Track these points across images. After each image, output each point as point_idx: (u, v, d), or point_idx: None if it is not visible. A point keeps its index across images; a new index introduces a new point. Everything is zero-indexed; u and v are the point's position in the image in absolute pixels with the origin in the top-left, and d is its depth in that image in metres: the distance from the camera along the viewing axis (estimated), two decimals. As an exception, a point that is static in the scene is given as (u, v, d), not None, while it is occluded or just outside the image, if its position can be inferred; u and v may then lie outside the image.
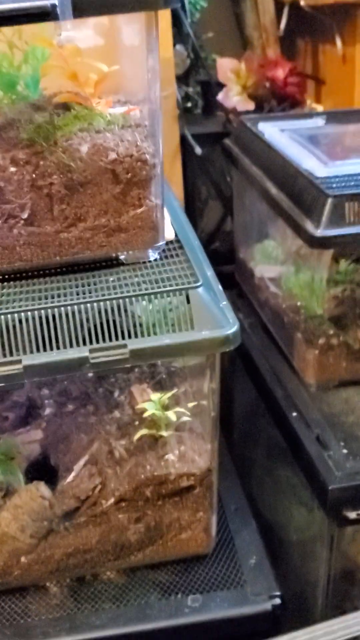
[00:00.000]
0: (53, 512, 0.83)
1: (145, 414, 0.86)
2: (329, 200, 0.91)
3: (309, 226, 0.92)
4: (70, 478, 0.85)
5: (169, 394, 0.86)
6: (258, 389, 1.12)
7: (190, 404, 0.87)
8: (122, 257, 0.78)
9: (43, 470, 0.87)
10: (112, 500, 0.84)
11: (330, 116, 1.23)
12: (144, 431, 0.85)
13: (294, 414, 1.00)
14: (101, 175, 0.73)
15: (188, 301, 0.72)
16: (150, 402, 0.86)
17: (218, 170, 1.38)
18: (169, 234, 0.82)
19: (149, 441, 0.86)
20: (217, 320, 0.72)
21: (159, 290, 0.73)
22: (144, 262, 0.78)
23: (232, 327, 0.70)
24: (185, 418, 0.86)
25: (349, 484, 0.87)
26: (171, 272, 0.77)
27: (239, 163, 1.19)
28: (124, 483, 0.84)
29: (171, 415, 0.85)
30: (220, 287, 0.80)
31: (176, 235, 0.85)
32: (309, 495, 0.94)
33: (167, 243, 0.82)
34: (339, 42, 1.45)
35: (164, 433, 0.86)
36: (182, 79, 1.45)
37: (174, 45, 1.37)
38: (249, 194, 1.20)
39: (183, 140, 1.32)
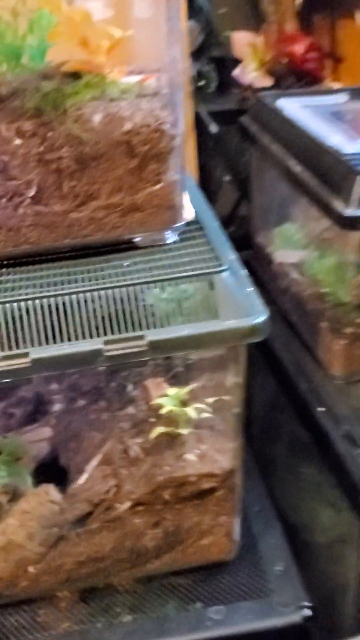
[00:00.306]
0: (64, 518, 0.77)
1: (162, 410, 0.79)
2: (359, 177, 0.84)
3: (338, 205, 0.85)
4: (82, 480, 0.79)
5: (188, 389, 0.80)
6: (279, 383, 1.05)
7: (211, 399, 0.80)
8: (138, 239, 0.71)
9: (52, 471, 0.81)
10: (127, 503, 0.78)
11: (355, 92, 1.16)
12: (161, 429, 0.79)
13: (320, 408, 0.93)
14: (115, 147, 0.66)
15: (212, 287, 0.65)
16: (167, 397, 0.80)
17: (233, 150, 1.31)
18: (189, 214, 0.75)
19: (167, 440, 0.80)
20: (244, 308, 0.65)
21: (179, 275, 0.66)
22: (162, 245, 0.71)
23: (260, 315, 0.63)
24: (205, 414, 0.80)
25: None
26: (192, 255, 0.70)
27: (257, 141, 1.12)
28: (141, 485, 0.77)
29: (190, 411, 0.79)
30: (245, 272, 0.73)
31: (196, 215, 0.78)
32: (337, 495, 0.87)
33: (186, 224, 0.75)
34: (358, 17, 1.38)
35: (183, 431, 0.80)
36: (195, 56, 1.37)
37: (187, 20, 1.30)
38: (268, 174, 1.13)
39: (197, 119, 1.25)
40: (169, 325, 0.65)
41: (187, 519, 0.79)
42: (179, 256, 0.70)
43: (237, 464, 0.79)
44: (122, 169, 0.67)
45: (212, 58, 1.37)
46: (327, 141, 0.94)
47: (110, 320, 0.64)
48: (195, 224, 0.77)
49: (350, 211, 0.84)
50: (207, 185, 1.34)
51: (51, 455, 0.82)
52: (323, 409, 0.93)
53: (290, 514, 0.98)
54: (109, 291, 0.65)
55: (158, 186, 0.68)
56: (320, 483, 0.94)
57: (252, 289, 0.69)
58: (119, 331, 0.64)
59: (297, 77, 1.30)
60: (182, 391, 0.80)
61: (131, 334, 0.63)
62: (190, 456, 0.78)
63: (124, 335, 0.63)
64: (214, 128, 1.22)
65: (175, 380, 0.83)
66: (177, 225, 0.71)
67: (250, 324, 0.64)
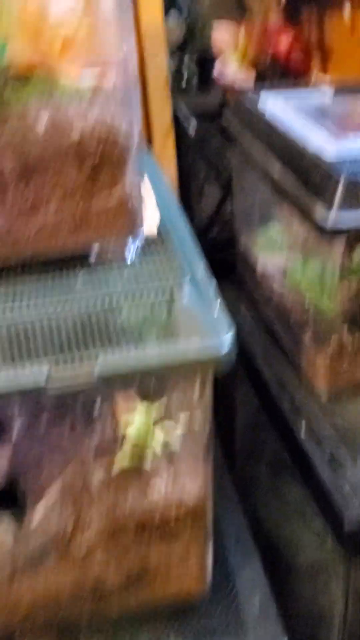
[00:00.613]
0: (18, 552, 0.70)
1: (129, 430, 0.73)
2: (342, 179, 0.78)
3: (319, 210, 0.78)
4: (39, 510, 0.72)
5: (158, 404, 0.73)
6: (261, 399, 0.99)
7: (183, 418, 0.74)
8: (92, 253, 0.65)
9: (7, 499, 0.74)
10: (88, 536, 0.71)
11: (340, 88, 1.09)
12: (126, 453, 0.73)
13: (303, 428, 0.87)
14: (64, 157, 0.60)
15: (171, 303, 0.59)
16: (136, 414, 0.74)
17: (216, 151, 1.24)
18: (152, 222, 0.69)
19: (132, 466, 0.73)
20: (208, 327, 0.58)
21: (135, 290, 0.60)
22: (119, 257, 0.64)
23: (225, 336, 0.57)
24: (177, 435, 0.73)
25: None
26: (152, 266, 0.63)
27: (237, 140, 1.06)
28: (103, 516, 0.71)
29: (159, 433, 0.72)
30: (214, 285, 0.66)
31: (162, 222, 0.72)
32: (321, 523, 0.81)
33: (149, 234, 0.68)
34: (347, 9, 1.31)
35: (150, 456, 0.73)
36: (176, 52, 1.30)
37: (167, 12, 1.23)
38: (249, 176, 1.06)
39: (176, 119, 1.18)
40: (124, 344, 0.58)
41: (154, 554, 0.73)
42: (138, 269, 0.63)
43: (208, 492, 0.73)
44: (73, 178, 0.61)
45: (194, 54, 1.30)
46: (310, 142, 0.87)
47: (53, 342, 0.57)
48: (161, 233, 0.70)
49: (332, 216, 0.78)
50: (189, 187, 1.27)
51: (6, 481, 0.76)
52: (305, 428, 0.86)
53: (272, 540, 0.92)
54: (59, 310, 0.59)
55: (113, 194, 0.61)
56: (303, 510, 0.87)
57: (220, 303, 0.63)
58: (64, 357, 0.58)
59: (282, 72, 1.23)
60: (152, 407, 0.73)
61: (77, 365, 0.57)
62: (158, 483, 0.72)
63: (70, 364, 0.57)
64: (192, 130, 1.15)
65: (147, 392, 0.76)
66: (137, 235, 0.64)
67: (214, 346, 0.57)
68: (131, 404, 0.76)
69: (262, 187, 1.00)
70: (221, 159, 1.22)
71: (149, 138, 1.14)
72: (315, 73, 1.30)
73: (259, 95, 1.06)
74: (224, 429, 1.12)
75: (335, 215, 0.77)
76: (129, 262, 0.64)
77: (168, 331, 0.57)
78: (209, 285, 0.65)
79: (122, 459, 0.72)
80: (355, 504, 0.74)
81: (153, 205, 0.72)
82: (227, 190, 1.29)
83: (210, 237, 1.30)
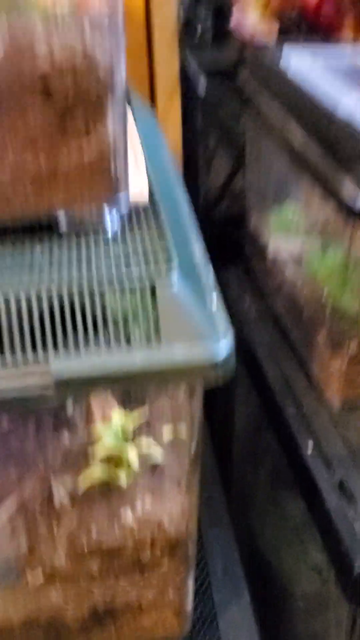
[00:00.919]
0: None
1: (99, 445, 0.60)
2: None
3: (348, 187, 0.65)
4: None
5: (137, 413, 0.61)
6: (263, 402, 0.86)
7: (166, 430, 0.61)
8: (61, 220, 0.51)
9: None
10: (41, 571, 0.58)
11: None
12: (96, 472, 0.60)
13: (310, 443, 0.74)
14: (26, 92, 0.46)
15: (153, 296, 0.45)
16: (111, 423, 0.61)
17: (229, 114, 1.09)
18: (140, 188, 0.55)
19: (101, 488, 0.60)
20: (199, 329, 0.45)
21: (110, 277, 0.46)
22: (94, 230, 0.51)
23: (220, 342, 0.43)
24: (157, 450, 0.61)
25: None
26: (135, 245, 0.50)
27: (254, 102, 0.91)
28: (61, 548, 0.58)
29: (137, 444, 0.60)
30: (211, 272, 0.53)
31: (154, 190, 0.58)
32: (325, 561, 0.68)
33: (136, 202, 0.54)
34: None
35: (126, 471, 0.60)
36: (190, 0, 1.15)
37: None
38: (265, 144, 0.92)
39: (186, 76, 1.03)
40: (82, 349, 0.45)
41: (122, 595, 0.60)
42: (115, 248, 0.49)
43: (192, 517, 0.60)
44: (36, 120, 0.47)
45: (209, 2, 1.14)
46: (339, 104, 0.73)
47: (1, 342, 0.43)
48: (152, 204, 0.56)
49: (362, 196, 0.64)
50: (195, 154, 1.12)
51: None
52: (313, 444, 0.73)
53: (267, 569, 0.79)
54: (6, 299, 0.45)
55: (87, 145, 0.47)
56: (304, 539, 0.74)
57: (215, 300, 0.49)
58: (14, 359, 0.44)
59: (309, 27, 1.08)
60: (130, 417, 0.61)
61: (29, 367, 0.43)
62: (129, 513, 0.59)
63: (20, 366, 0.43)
64: (202, 86, 1.00)
65: (125, 398, 0.63)
66: (117, 202, 0.50)
67: (206, 353, 0.44)
68: (107, 411, 0.63)
69: (279, 158, 0.87)
70: (235, 125, 1.07)
71: (152, 96, 0.99)
72: (348, 33, 1.14)
73: (281, 52, 0.92)
74: (220, 435, 0.99)
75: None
76: (106, 238, 0.50)
77: (147, 331, 0.44)
78: (206, 273, 0.52)
79: (90, 475, 0.60)
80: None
81: (144, 168, 0.58)
82: (240, 161, 1.14)
83: (217, 214, 1.16)
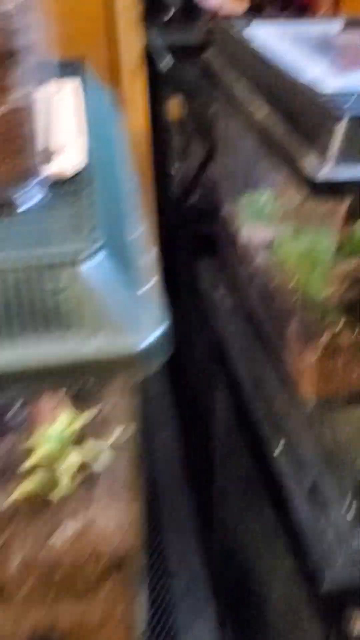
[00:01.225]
0: None
1: (37, 451, 0.55)
2: (342, 124, 0.57)
3: (311, 161, 0.58)
4: None
5: (83, 417, 0.55)
6: (234, 402, 0.80)
7: (110, 438, 0.55)
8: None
9: None
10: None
11: (353, 20, 0.88)
12: (32, 481, 0.54)
13: (281, 443, 0.68)
14: None
15: (73, 276, 0.39)
16: (51, 428, 0.56)
17: (199, 94, 1.03)
18: (72, 163, 0.49)
19: (39, 498, 0.54)
20: (126, 317, 0.39)
21: (22, 255, 0.40)
22: (6, 205, 0.44)
23: (141, 332, 0.37)
24: (96, 456, 0.55)
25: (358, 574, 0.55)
26: (57, 223, 0.44)
27: (221, 79, 0.85)
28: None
29: (76, 451, 0.54)
30: (152, 257, 0.47)
31: (91, 169, 0.52)
32: (296, 580, 0.62)
33: (64, 177, 0.48)
34: None
35: (63, 486, 0.55)
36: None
37: None
38: (233, 125, 0.86)
39: (148, 52, 0.97)
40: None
41: (64, 614, 0.54)
42: (31, 227, 0.43)
43: (137, 532, 0.54)
44: None
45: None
46: (303, 75, 0.67)
47: None
48: (85, 176, 0.50)
49: (326, 170, 0.57)
50: (161, 138, 1.06)
51: None
52: (283, 445, 0.67)
53: (240, 584, 0.73)
54: None
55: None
56: (276, 554, 0.68)
57: (153, 284, 0.43)
58: None
59: (283, 4, 1.02)
60: (73, 421, 0.55)
61: None
62: (70, 524, 0.53)
63: None
64: (165, 63, 0.94)
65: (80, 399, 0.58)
66: (32, 175, 0.44)
67: (132, 345, 0.38)
68: (57, 411, 0.58)
69: (248, 138, 0.80)
70: (206, 107, 1.01)
71: (114, 76, 0.93)
72: (323, 12, 1.08)
73: (248, 25, 0.85)
74: (199, 437, 0.93)
75: (328, 170, 0.57)
76: (22, 214, 0.44)
77: (59, 319, 0.38)
78: (144, 256, 0.46)
79: (23, 485, 0.54)
80: (340, 565, 0.54)
81: (83, 144, 0.52)
82: (212, 148, 1.08)
83: (190, 205, 1.09)
